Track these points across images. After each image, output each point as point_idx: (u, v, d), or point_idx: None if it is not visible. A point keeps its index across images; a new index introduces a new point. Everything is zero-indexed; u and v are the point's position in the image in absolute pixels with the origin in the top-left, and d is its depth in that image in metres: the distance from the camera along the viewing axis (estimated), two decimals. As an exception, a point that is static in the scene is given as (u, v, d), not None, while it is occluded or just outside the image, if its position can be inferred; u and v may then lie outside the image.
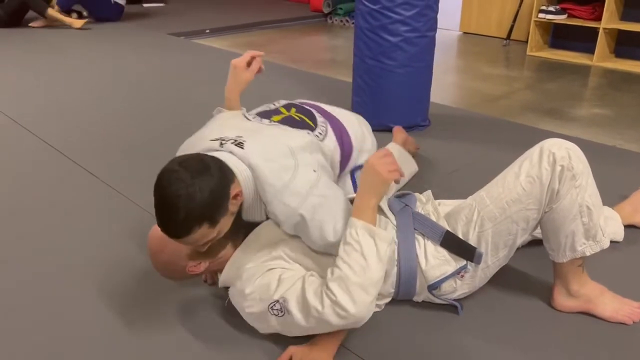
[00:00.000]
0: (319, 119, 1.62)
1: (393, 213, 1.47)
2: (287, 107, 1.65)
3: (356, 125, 1.79)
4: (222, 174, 1.25)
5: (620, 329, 1.42)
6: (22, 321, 1.47)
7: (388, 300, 1.48)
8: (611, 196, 1.88)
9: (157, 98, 3.34)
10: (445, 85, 3.73)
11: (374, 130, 2.76)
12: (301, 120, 1.57)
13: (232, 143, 1.37)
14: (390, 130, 2.70)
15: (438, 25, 2.69)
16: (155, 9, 6.76)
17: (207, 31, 5.46)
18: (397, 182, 1.32)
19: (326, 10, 6.07)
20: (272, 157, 1.34)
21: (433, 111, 2.91)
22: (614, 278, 1.55)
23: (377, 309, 1.46)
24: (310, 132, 1.53)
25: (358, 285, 1.20)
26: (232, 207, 1.28)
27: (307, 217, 1.30)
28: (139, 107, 3.18)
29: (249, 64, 1.77)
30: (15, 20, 5.44)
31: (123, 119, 2.98)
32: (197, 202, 1.19)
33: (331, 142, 1.61)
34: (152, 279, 1.62)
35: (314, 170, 1.36)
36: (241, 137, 1.40)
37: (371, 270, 1.22)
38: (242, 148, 1.35)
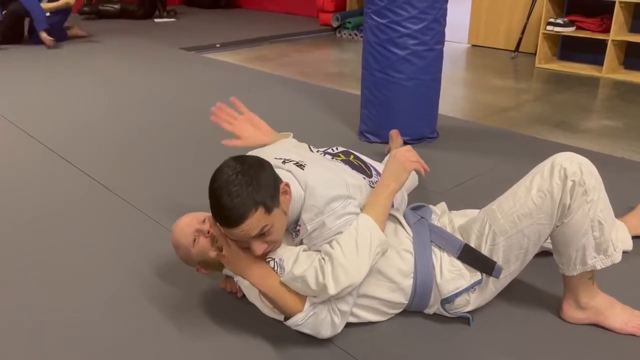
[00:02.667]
0: (373, 170, 1.68)
1: (409, 225, 1.48)
2: (346, 153, 1.71)
3: None
4: (274, 172, 1.32)
5: (630, 341, 1.41)
6: (39, 326, 1.50)
7: (399, 311, 1.48)
8: (618, 207, 1.87)
9: (170, 112, 3.38)
10: (454, 98, 3.74)
11: (381, 143, 2.80)
12: (359, 166, 1.63)
13: (293, 164, 1.44)
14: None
15: (446, 38, 2.71)
16: (167, 24, 6.85)
17: (218, 45, 5.53)
18: (421, 175, 1.46)
19: (335, 24, 6.13)
20: (330, 185, 1.39)
21: (441, 123, 2.92)
22: (623, 289, 1.55)
23: (383, 318, 1.47)
24: (365, 177, 1.58)
25: (342, 266, 1.27)
26: (283, 204, 1.33)
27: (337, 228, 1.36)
28: (152, 121, 3.22)
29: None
30: (15, 35, 5.41)
31: (136, 133, 3.02)
32: (250, 187, 1.24)
33: None
34: (164, 285, 1.64)
35: (361, 209, 1.41)
36: (303, 161, 1.46)
37: (359, 260, 1.28)
38: (302, 169, 1.42)
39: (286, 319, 1.37)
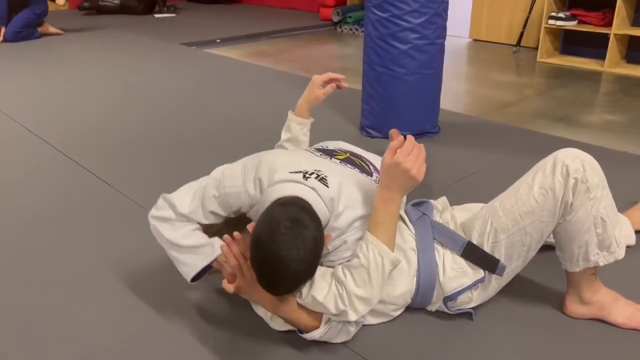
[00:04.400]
0: (371, 166, 1.62)
1: (411, 222, 1.47)
2: (343, 151, 1.64)
3: None
4: (320, 229, 1.23)
5: (634, 336, 1.41)
6: (37, 323, 1.49)
7: (402, 311, 1.48)
8: (621, 202, 1.87)
9: (171, 107, 3.37)
10: (456, 93, 3.73)
11: (382, 137, 2.79)
12: (360, 165, 1.57)
13: (315, 177, 1.35)
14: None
15: (448, 33, 2.69)
16: (167, 20, 6.83)
17: (218, 41, 5.51)
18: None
19: (336, 18, 6.11)
20: (351, 205, 1.34)
21: (443, 118, 2.91)
22: (626, 284, 1.54)
23: (388, 319, 1.46)
24: (369, 177, 1.53)
25: (357, 296, 1.25)
26: None
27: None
28: (153, 116, 3.22)
29: (327, 82, 1.78)
30: None
31: (136, 128, 3.01)
32: (301, 275, 1.20)
33: None
34: (162, 279, 1.64)
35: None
36: (322, 172, 1.37)
37: (372, 287, 1.25)
38: (327, 186, 1.33)
39: (300, 331, 1.36)
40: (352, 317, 1.26)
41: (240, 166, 1.41)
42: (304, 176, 1.34)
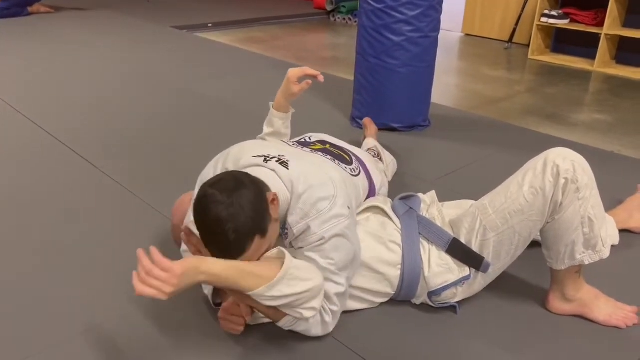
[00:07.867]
0: (353, 157, 1.63)
1: (397, 216, 1.47)
2: (322, 142, 1.65)
3: (377, 173, 1.77)
4: (256, 185, 1.23)
5: (614, 333, 1.43)
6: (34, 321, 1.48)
7: (385, 299, 1.49)
8: (607, 201, 1.89)
9: (160, 91, 3.34)
10: (447, 87, 3.73)
11: (373, 129, 2.79)
12: (339, 154, 1.57)
13: (276, 161, 1.37)
14: (391, 129, 2.72)
15: (441, 27, 2.69)
16: (158, 2, 6.74)
17: (210, 25, 5.46)
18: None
19: (329, 8, 6.08)
20: (315, 185, 1.33)
21: (434, 112, 2.92)
22: (608, 282, 1.56)
23: (371, 306, 1.47)
24: (346, 166, 1.53)
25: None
26: (273, 212, 1.26)
27: (326, 238, 1.30)
28: (142, 100, 3.18)
29: (303, 78, 1.74)
30: None
31: (126, 113, 2.98)
32: (242, 219, 1.17)
33: (364, 180, 1.63)
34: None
35: (348, 207, 1.35)
36: (284, 156, 1.39)
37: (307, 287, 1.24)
38: (287, 168, 1.34)
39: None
40: (308, 314, 1.25)
41: (212, 162, 1.48)
42: (265, 159, 1.38)
